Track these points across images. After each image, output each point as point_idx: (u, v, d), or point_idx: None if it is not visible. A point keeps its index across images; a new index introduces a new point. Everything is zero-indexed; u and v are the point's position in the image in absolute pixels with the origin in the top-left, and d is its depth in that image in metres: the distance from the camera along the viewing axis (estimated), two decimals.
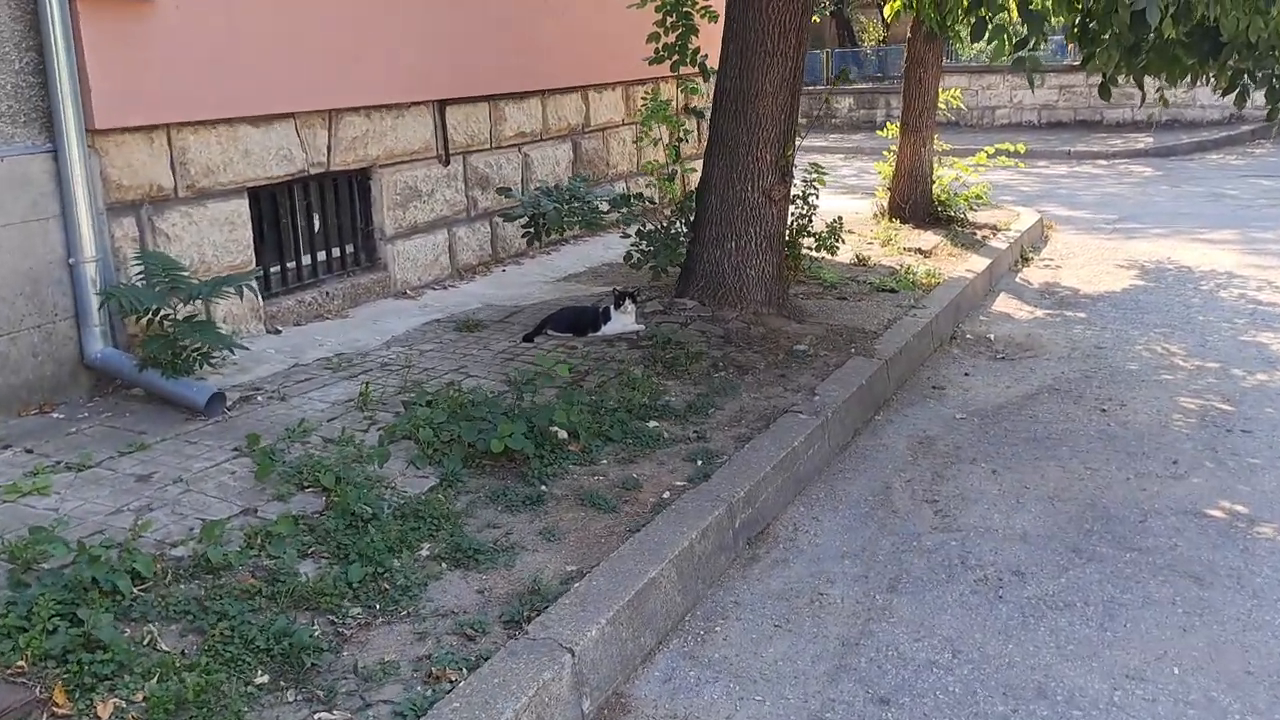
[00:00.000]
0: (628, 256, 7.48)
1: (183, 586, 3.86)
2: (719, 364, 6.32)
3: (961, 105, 11.99)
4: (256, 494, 4.54)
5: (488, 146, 8.44)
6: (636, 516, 4.43)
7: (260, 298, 6.62)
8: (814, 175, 7.57)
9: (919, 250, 9.88)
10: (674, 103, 9.12)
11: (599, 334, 6.78)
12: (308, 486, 4.59)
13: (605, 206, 7.22)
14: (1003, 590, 4.20)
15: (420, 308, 7.54)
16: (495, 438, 4.86)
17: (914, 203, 11.19)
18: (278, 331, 6.74)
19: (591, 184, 9.22)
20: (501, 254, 8.58)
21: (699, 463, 4.98)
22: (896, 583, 4.29)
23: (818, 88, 25.84)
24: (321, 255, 7.26)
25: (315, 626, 3.64)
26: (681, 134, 7.40)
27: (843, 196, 13.96)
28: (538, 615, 3.65)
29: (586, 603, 3.66)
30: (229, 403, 5.51)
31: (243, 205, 6.45)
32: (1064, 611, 4.04)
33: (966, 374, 6.98)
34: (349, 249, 7.48)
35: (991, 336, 7.87)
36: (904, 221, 11.10)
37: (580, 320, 6.85)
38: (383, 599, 3.81)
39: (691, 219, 7.41)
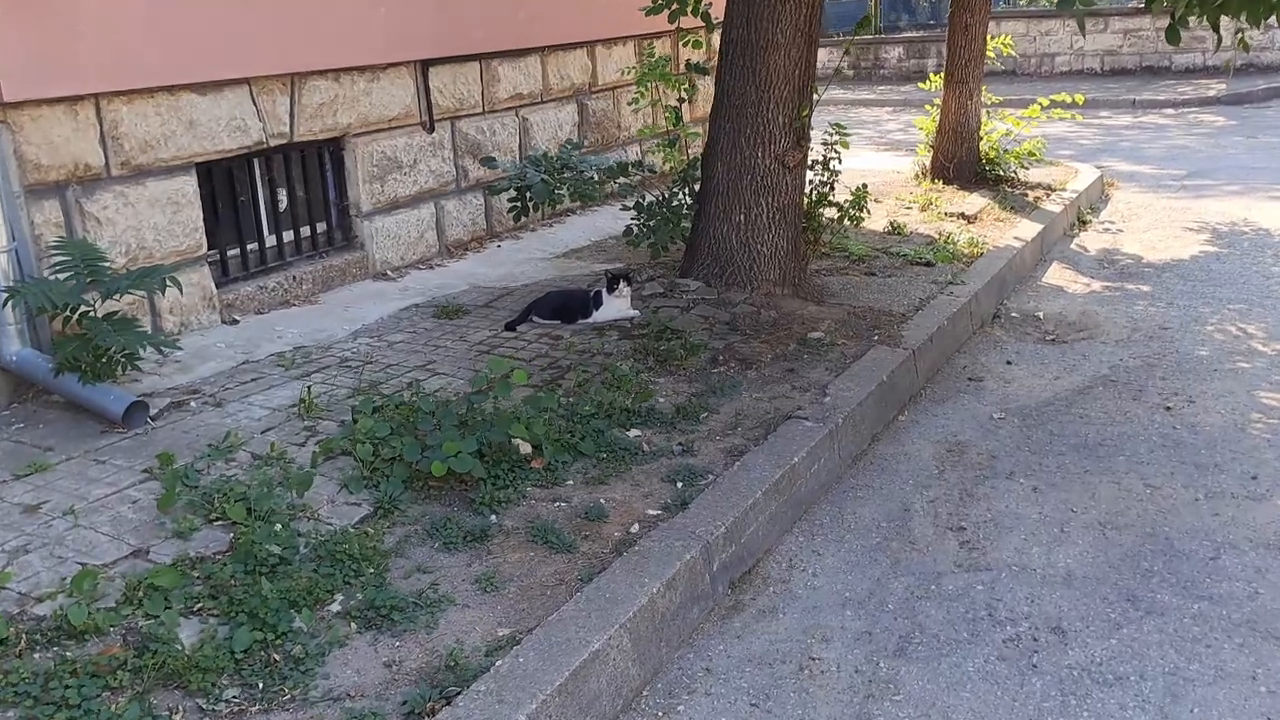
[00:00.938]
0: (627, 231, 6.69)
1: (37, 656, 3.19)
2: (719, 357, 5.55)
3: (1013, 53, 10.95)
4: (154, 529, 3.87)
5: (479, 110, 7.67)
6: (594, 559, 3.70)
7: (214, 285, 5.93)
8: (836, 137, 6.70)
9: (962, 215, 8.98)
10: (676, 59, 8.26)
11: (589, 321, 6.04)
12: (216, 519, 3.92)
13: (599, 176, 6.42)
14: (1038, 656, 3.41)
15: (400, 291, 6.83)
16: (438, 458, 4.13)
17: (959, 162, 10.27)
18: (234, 322, 6.06)
19: (600, 149, 8.45)
20: (498, 228, 7.83)
21: (679, 484, 4.23)
22: (906, 643, 3.51)
23: (866, 37, 24.71)
24: (289, 235, 6.56)
25: (180, 713, 2.95)
26: (683, 93, 6.57)
27: (886, 153, 13.06)
28: (446, 705, 2.93)
29: (507, 688, 2.94)
30: (155, 410, 4.85)
31: (189, 183, 5.76)
32: (1114, 688, 3.25)
33: (1009, 362, 6.14)
34: (320, 228, 6.77)
35: (1040, 314, 7.01)
36: (947, 182, 10.19)
37: (568, 305, 6.11)
38: (269, 675, 3.13)
39: (696, 189, 6.60)
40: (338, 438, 4.52)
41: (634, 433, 4.73)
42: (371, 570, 3.62)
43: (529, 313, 6.15)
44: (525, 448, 4.47)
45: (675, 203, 6.52)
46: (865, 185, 6.98)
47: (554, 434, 4.55)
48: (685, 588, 3.57)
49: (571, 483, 4.30)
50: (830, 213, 6.93)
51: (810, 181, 6.73)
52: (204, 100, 5.80)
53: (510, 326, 6.04)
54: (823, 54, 21.64)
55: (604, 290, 6.06)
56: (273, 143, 6.24)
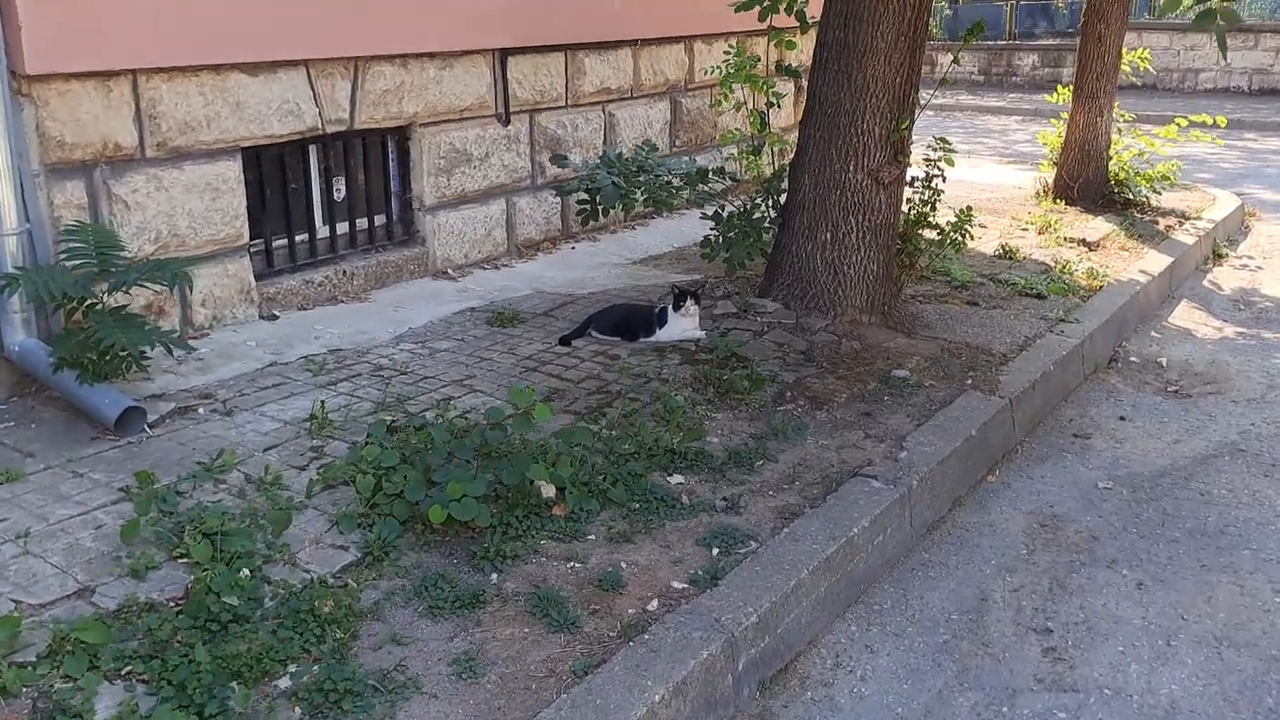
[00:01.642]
0: (705, 243, 6.10)
1: None
2: (787, 392, 4.93)
3: (1149, 67, 10.04)
4: (109, 564, 3.43)
5: (562, 104, 7.16)
6: (597, 643, 3.14)
7: (254, 277, 5.51)
8: (940, 153, 6.00)
9: (1083, 242, 8.18)
10: (767, 60, 7.62)
11: (651, 340, 5.48)
12: (180, 556, 3.45)
13: (676, 182, 5.84)
14: None
15: (458, 292, 6.35)
16: (440, 501, 3.62)
17: (1084, 182, 9.45)
18: (274, 317, 5.65)
19: (693, 149, 7.87)
20: (574, 229, 7.31)
21: (715, 550, 3.65)
22: None
23: (999, 43, 23.68)
24: (344, 227, 6.13)
25: None
26: (771, 97, 5.94)
27: (1009, 166, 12.22)
28: None
29: None
30: (157, 416, 4.43)
31: (232, 167, 5.36)
32: None
33: (1123, 417, 5.40)
34: (379, 221, 6.33)
35: (1163, 361, 6.22)
36: (1070, 203, 9.38)
37: (630, 321, 5.55)
38: None
39: (781, 201, 5.98)
40: (343, 463, 4.05)
41: (676, 479, 4.16)
42: (338, 636, 3.12)
43: (587, 326, 5.61)
44: (548, 490, 3.94)
45: (756, 215, 5.90)
46: (970, 208, 6.24)
47: (582, 476, 4.01)
48: (699, 693, 2.98)
49: (594, 537, 3.74)
50: (930, 234, 6.22)
51: (908, 200, 6.05)
52: (254, 81, 5.39)
53: (565, 340, 5.51)
54: (945, 59, 20.73)
55: (669, 307, 5.49)
56: (330, 129, 5.80)
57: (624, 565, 3.57)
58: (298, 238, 5.91)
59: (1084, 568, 3.99)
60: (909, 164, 5.77)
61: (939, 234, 6.02)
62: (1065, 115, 9.72)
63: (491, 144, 6.72)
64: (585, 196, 5.86)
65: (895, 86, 5.52)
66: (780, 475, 4.22)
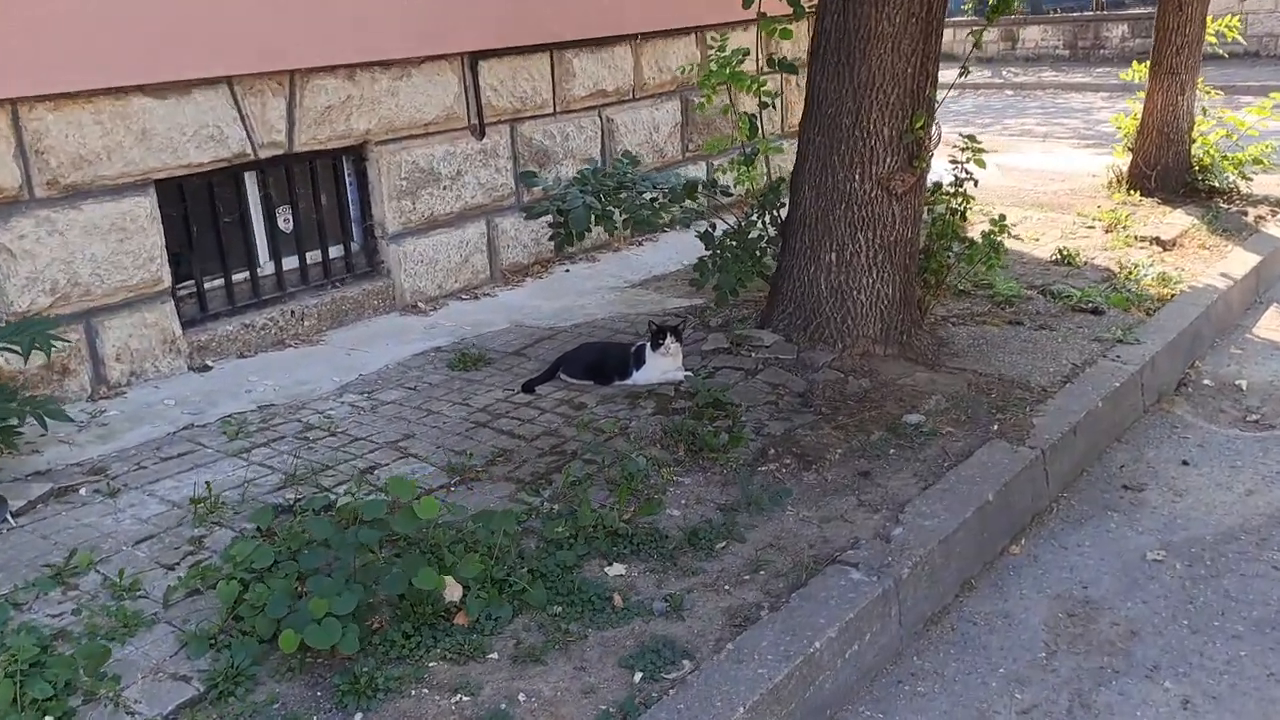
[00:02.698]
0: (698, 265, 5.36)
1: None
2: (771, 449, 4.19)
3: (1239, 36, 8.97)
4: None
5: (549, 111, 6.47)
6: None
7: (180, 325, 4.92)
8: (969, 154, 5.15)
9: (1156, 240, 7.25)
10: (757, 53, 6.81)
11: (626, 383, 4.79)
12: None
13: (661, 199, 5.10)
14: None
15: (425, 329, 5.70)
16: (297, 622, 2.96)
17: (1163, 169, 8.48)
18: (205, 369, 5.06)
19: (708, 154, 7.08)
20: (570, 249, 6.58)
21: (639, 675, 2.95)
22: None
23: (1085, 14, 22.31)
24: (292, 262, 5.52)
25: None
26: (764, 97, 5.16)
27: (1087, 150, 11.23)
28: None
29: None
30: (24, 502, 3.85)
31: (142, 204, 4.78)
32: None
33: (1186, 461, 4.54)
34: (336, 252, 5.71)
35: (1242, 384, 5.32)
36: (1146, 194, 8.43)
37: (603, 363, 4.85)
38: None
39: (781, 217, 5.21)
40: (216, 563, 3.40)
41: (616, 570, 3.44)
42: None
43: (556, 369, 4.93)
44: (453, 591, 3.26)
45: (752, 235, 5.13)
46: (1004, 216, 5.37)
47: (497, 572, 3.31)
48: None
49: (496, 655, 3.05)
50: (966, 247, 5.36)
51: (934, 210, 5.23)
52: (162, 105, 4.79)
53: (529, 387, 4.83)
54: (1035, 31, 19.55)
55: (647, 346, 4.76)
56: (265, 154, 5.19)
57: (522, 698, 2.87)
58: (236, 277, 5.32)
59: (1116, 678, 3.18)
60: (927, 169, 4.94)
61: (966, 249, 5.16)
62: (1142, 95, 8.76)
63: (464, 161, 6.06)
64: (560, 219, 5.16)
65: (906, 79, 4.72)
66: (743, 562, 3.47)
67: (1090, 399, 4.66)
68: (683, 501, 3.86)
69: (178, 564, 3.50)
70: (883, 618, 3.26)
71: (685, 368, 4.86)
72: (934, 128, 8.43)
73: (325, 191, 5.64)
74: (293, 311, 5.40)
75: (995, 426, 4.39)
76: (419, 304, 5.93)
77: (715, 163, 6.52)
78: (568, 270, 6.71)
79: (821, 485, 3.96)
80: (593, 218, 5.01)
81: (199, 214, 5.16)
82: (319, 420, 4.58)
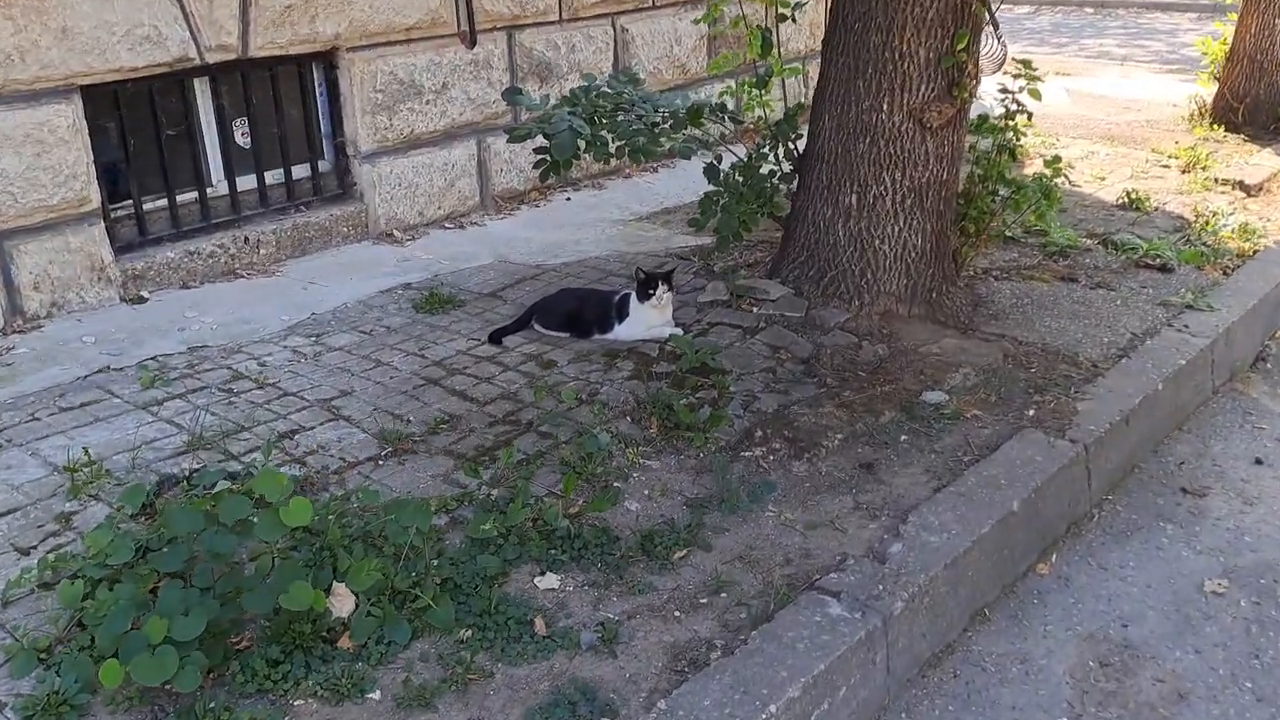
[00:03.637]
0: (703, 202, 4.67)
1: None
2: (760, 429, 3.54)
3: None
4: None
5: (554, 19, 5.75)
6: None
7: (112, 251, 4.34)
8: (1024, 81, 4.36)
9: (1240, 184, 6.42)
10: None
11: (608, 337, 4.15)
12: None
13: (662, 124, 4.39)
14: None
15: (398, 262, 5.08)
16: (128, 649, 2.39)
17: (1252, 101, 7.62)
18: (140, 300, 4.50)
19: (739, 71, 6.29)
20: (574, 174, 5.90)
21: None
22: None
23: None
24: (248, 182, 4.91)
25: None
26: (780, 7, 4.40)
27: (1169, 75, 10.24)
28: None
29: None
30: None
31: (63, 112, 4.18)
32: None
33: (1260, 460, 3.84)
34: (301, 172, 5.09)
35: None
36: (1232, 129, 7.58)
37: (581, 313, 4.21)
38: None
39: (793, 150, 4.49)
40: (73, 552, 2.85)
41: (548, 583, 2.85)
42: None
43: (529, 318, 4.30)
44: (343, 604, 2.68)
45: (757, 171, 4.42)
46: (1059, 157, 4.59)
47: (401, 581, 2.70)
48: None
49: (377, 695, 2.47)
50: (1010, 192, 4.60)
51: (977, 148, 4.48)
52: (86, 1, 4.12)
53: (496, 337, 4.21)
54: None
55: (633, 295, 4.10)
56: (212, 59, 4.55)
57: None
58: (181, 197, 4.71)
59: None
60: (970, 99, 4.18)
61: (1013, 193, 4.40)
62: (1233, 17, 7.84)
63: (451, 72, 5.36)
64: (545, 144, 4.46)
65: None
66: (703, 579, 2.85)
67: (1149, 379, 3.95)
68: (645, 492, 3.24)
69: (34, 548, 2.95)
70: (865, 666, 2.63)
71: (677, 322, 4.20)
72: (995, 47, 7.54)
73: (290, 104, 5.00)
74: (246, 238, 4.79)
75: (1031, 411, 3.70)
76: (395, 232, 5.29)
77: (730, 83, 5.73)
78: (569, 199, 6.03)
79: (813, 479, 3.31)
80: (581, 144, 4.29)
81: (137, 126, 4.55)
82: (251, 368, 4.00)
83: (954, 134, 4.16)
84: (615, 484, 3.28)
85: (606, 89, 4.49)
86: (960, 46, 3.98)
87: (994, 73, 8.12)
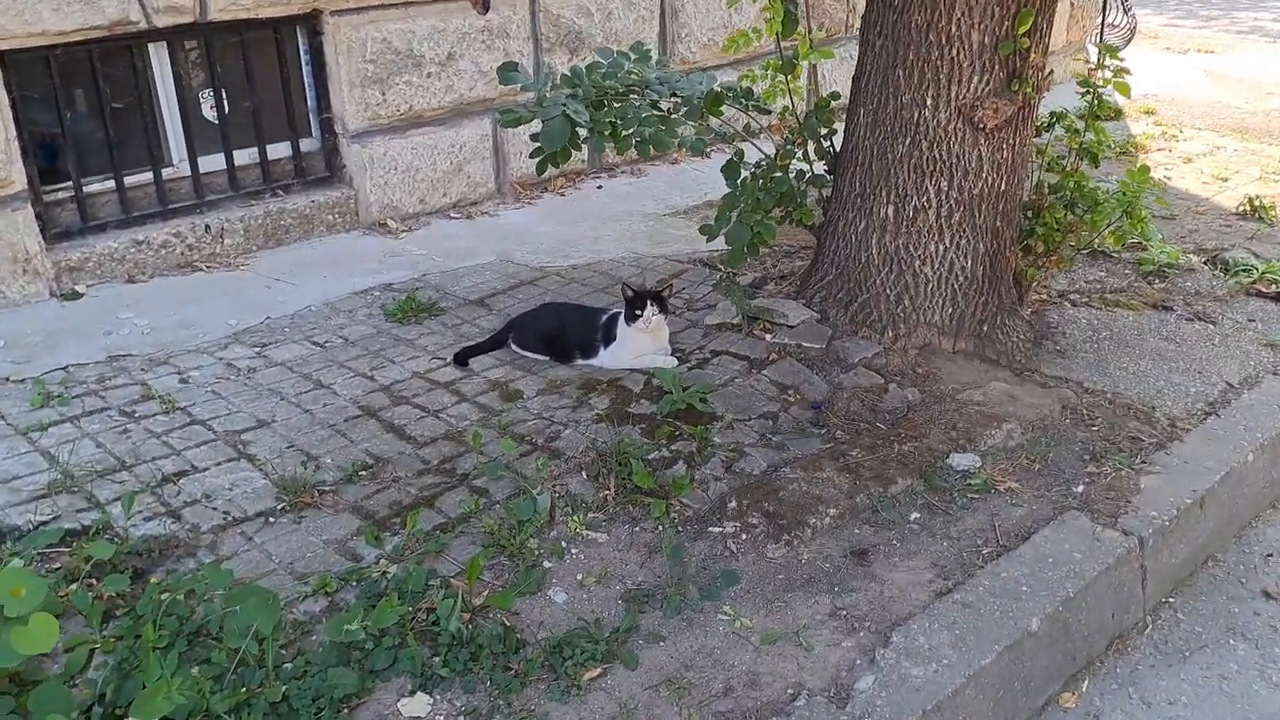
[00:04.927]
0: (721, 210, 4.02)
1: None
2: (735, 499, 2.92)
3: None
4: None
5: None
6: None
7: (40, 240, 3.90)
8: (1109, 67, 3.58)
9: None
10: None
11: (592, 363, 3.57)
12: None
13: (681, 112, 3.75)
14: None
15: (385, 257, 4.56)
16: None
17: None
18: (75, 295, 4.06)
19: (733, 52, 5.58)
20: (613, 157, 5.29)
21: None
22: None
23: None
24: (215, 162, 4.43)
25: None
26: None
27: None
28: None
29: None
30: None
31: None
32: None
33: None
34: (280, 152, 4.59)
35: None
36: None
37: (564, 333, 3.64)
38: None
39: (829, 148, 3.81)
40: None
41: (414, 707, 2.34)
42: None
43: (506, 335, 3.71)
44: None
45: (774, 174, 3.74)
46: (1147, 167, 3.77)
47: (222, 702, 2.16)
48: None
49: None
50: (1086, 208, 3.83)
51: (1046, 152, 3.74)
52: None
53: (463, 358, 3.66)
54: None
55: (622, 316, 3.50)
56: (162, 22, 4.05)
57: None
58: (131, 179, 4.23)
59: None
60: (1038, 95, 3.44)
61: (1088, 210, 3.64)
62: None
63: (459, 41, 4.78)
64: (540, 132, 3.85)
65: None
66: (611, 715, 2.24)
67: (1238, 446, 3.21)
68: (579, 576, 2.65)
69: None
70: None
71: (677, 348, 3.59)
72: (1123, 20, 6.68)
73: (267, 74, 4.48)
74: (208, 226, 4.31)
75: (1081, 487, 2.99)
76: (390, 222, 4.76)
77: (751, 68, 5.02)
78: (600, 186, 5.41)
79: (789, 569, 2.68)
80: (580, 134, 3.67)
81: (75, 98, 4.07)
82: (169, 386, 3.51)
83: (1015, 136, 3.43)
84: (545, 563, 2.70)
85: (615, 65, 3.86)
86: (1023, 29, 3.25)
87: (1122, 49, 7.23)
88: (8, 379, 3.53)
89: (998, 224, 3.55)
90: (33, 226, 3.93)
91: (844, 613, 2.54)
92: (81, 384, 3.52)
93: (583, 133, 3.64)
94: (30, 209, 3.92)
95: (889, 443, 3.17)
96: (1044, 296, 4.11)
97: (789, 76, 3.74)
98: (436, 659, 2.37)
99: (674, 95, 3.87)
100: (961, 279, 3.56)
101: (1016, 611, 2.51)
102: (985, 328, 3.62)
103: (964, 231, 3.50)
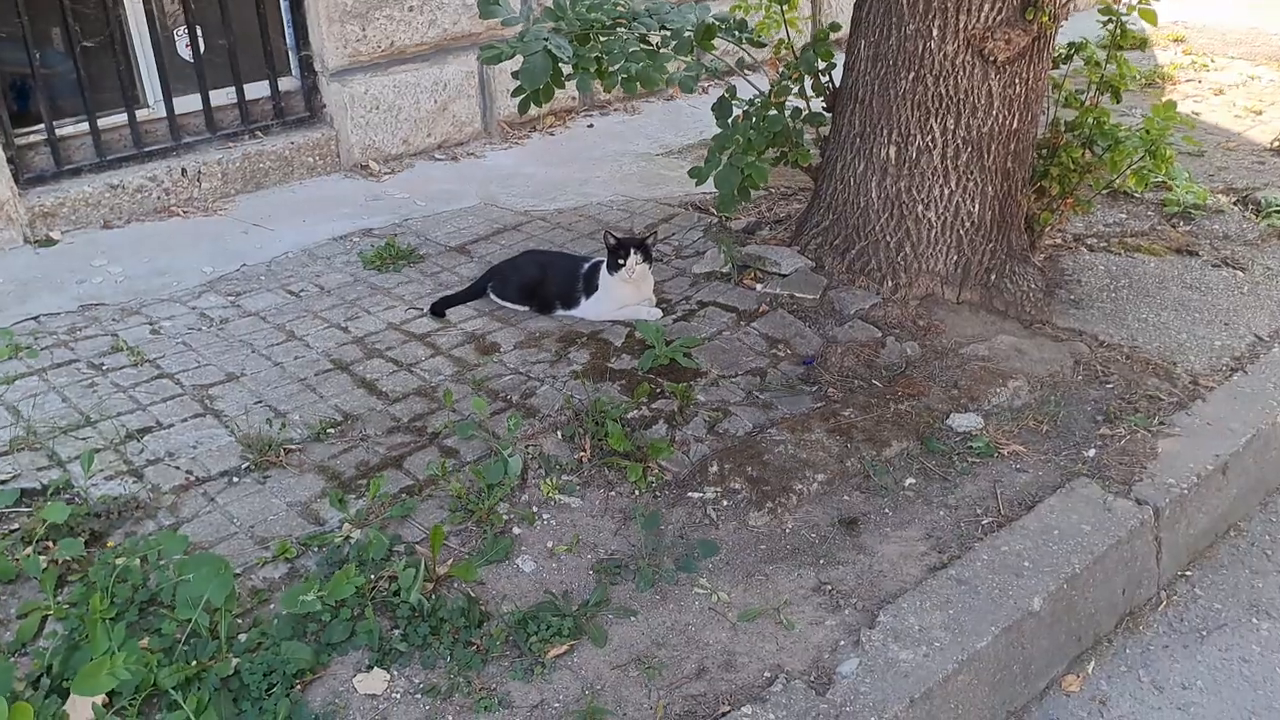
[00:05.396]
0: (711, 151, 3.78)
1: None
2: (716, 464, 2.73)
3: None
4: None
5: None
6: None
7: (12, 185, 3.71)
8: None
9: None
10: None
11: (573, 314, 3.37)
12: None
13: (670, 46, 3.51)
14: None
15: (365, 201, 4.36)
16: None
17: None
18: (50, 242, 3.89)
19: None
20: (604, 94, 5.04)
21: None
22: None
23: None
24: (191, 103, 4.22)
25: None
26: None
27: None
28: None
29: None
30: None
31: None
32: None
33: None
34: (258, 91, 4.38)
35: None
36: None
37: (544, 282, 3.45)
38: None
39: (827, 84, 3.57)
40: None
41: (371, 683, 2.19)
42: None
43: (484, 285, 3.51)
44: (80, 713, 1.99)
45: (768, 111, 3.51)
46: (1173, 103, 3.51)
47: (170, 677, 2.03)
48: None
49: None
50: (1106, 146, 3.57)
51: (1063, 86, 3.49)
52: None
53: (439, 309, 3.48)
54: None
55: (604, 266, 3.29)
56: None
57: None
58: (104, 121, 4.03)
59: None
60: (1055, 24, 3.18)
61: (1107, 149, 3.39)
62: None
63: None
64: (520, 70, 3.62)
65: None
66: (575, 695, 2.12)
67: (1266, 406, 3.00)
68: (550, 544, 2.47)
69: None
70: None
71: (663, 298, 3.39)
72: None
73: (243, 9, 4.25)
74: (184, 169, 4.11)
75: (1092, 451, 2.79)
76: (371, 164, 4.55)
77: None
78: (591, 125, 5.18)
79: (772, 539, 2.50)
80: (563, 71, 3.44)
81: (43, 36, 3.86)
82: (139, 337, 3.34)
83: (1029, 69, 3.18)
84: (515, 529, 2.53)
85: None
86: None
87: None
88: None
89: (1009, 165, 3.31)
90: (4, 171, 3.74)
91: (829, 588, 2.36)
92: (51, 335, 3.36)
93: (566, 69, 3.41)
94: (1, 153, 3.72)
95: (885, 401, 2.97)
96: (1058, 241, 3.88)
97: (785, 6, 3.48)
98: (396, 632, 2.22)
99: (663, 28, 3.62)
100: (967, 224, 3.33)
101: (1017, 589, 2.32)
102: (993, 276, 3.40)
103: (971, 173, 3.27)
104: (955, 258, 3.35)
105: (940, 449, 2.80)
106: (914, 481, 2.70)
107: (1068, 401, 3.00)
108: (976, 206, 3.31)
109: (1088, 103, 3.48)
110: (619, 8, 3.62)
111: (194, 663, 2.09)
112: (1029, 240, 3.55)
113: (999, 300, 3.39)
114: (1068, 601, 2.38)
